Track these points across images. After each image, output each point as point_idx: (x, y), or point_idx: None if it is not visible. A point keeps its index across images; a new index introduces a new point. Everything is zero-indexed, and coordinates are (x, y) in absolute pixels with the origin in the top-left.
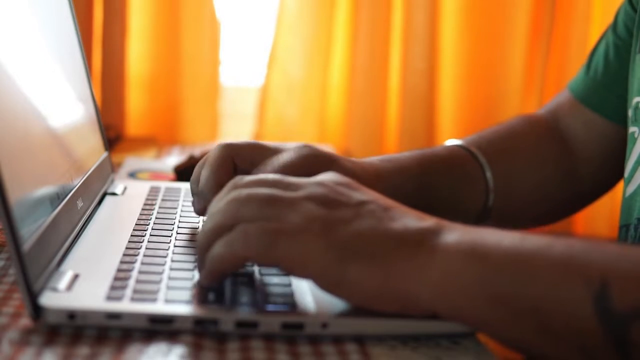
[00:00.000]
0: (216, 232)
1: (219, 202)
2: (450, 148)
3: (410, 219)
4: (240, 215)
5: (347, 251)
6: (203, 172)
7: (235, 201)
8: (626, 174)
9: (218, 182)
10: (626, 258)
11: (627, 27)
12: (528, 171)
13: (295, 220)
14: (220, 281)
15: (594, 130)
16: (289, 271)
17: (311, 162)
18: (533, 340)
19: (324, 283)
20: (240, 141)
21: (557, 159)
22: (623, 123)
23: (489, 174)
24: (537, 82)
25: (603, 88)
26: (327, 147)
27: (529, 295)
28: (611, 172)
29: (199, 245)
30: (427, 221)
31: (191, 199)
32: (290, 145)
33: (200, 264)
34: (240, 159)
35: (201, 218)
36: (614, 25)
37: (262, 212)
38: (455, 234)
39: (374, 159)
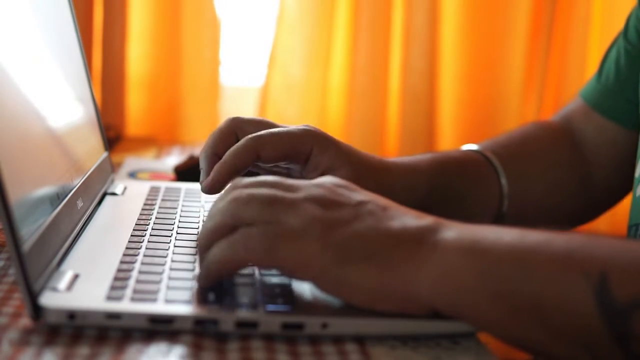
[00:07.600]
0: (217, 232)
1: (220, 202)
2: (464, 152)
3: (409, 218)
4: (241, 215)
5: (346, 252)
6: (205, 142)
7: (235, 201)
8: (637, 174)
9: (214, 152)
10: (625, 251)
11: (638, 33)
12: (542, 175)
13: (296, 222)
14: (218, 283)
15: (606, 136)
16: (289, 274)
17: (305, 136)
18: (534, 336)
19: (324, 285)
20: (248, 117)
21: (571, 163)
22: (635, 128)
23: (503, 180)
24: (537, 82)
25: (614, 94)
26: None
27: (529, 290)
28: (623, 179)
29: (200, 245)
30: (425, 219)
31: (192, 199)
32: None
33: (202, 264)
34: (242, 134)
35: (201, 218)
36: (625, 31)
37: (262, 214)
38: (454, 230)
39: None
